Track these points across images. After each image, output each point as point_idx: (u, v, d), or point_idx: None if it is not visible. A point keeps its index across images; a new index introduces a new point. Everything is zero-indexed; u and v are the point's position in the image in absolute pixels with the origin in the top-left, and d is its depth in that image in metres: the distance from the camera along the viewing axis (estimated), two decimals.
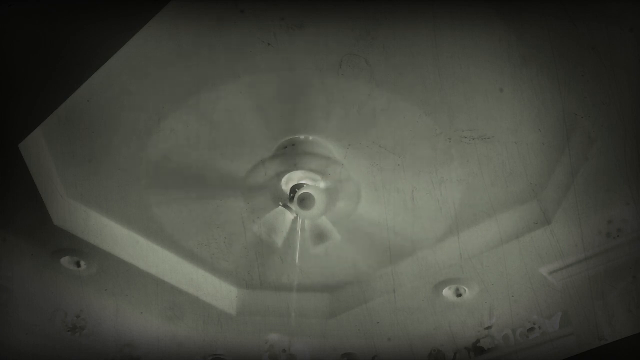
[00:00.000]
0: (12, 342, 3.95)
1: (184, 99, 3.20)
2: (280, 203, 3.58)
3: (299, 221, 3.66)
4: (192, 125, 3.34)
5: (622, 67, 2.78)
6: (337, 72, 3.03)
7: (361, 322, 4.30)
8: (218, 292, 4.28)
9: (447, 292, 4.11)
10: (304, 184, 3.51)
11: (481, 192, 3.56)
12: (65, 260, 3.89)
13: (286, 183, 3.55)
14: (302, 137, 3.41)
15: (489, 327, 4.09)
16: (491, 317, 4.11)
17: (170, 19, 2.76)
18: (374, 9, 2.80)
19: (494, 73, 3.03)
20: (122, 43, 2.61)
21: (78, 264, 3.91)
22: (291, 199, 3.51)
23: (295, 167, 3.46)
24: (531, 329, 3.92)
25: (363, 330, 4.31)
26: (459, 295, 4.11)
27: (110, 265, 3.90)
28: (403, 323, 4.21)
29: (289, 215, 3.58)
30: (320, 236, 3.67)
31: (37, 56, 2.60)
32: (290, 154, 3.42)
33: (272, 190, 3.58)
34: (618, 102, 2.88)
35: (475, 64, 3.00)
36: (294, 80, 3.12)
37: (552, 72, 2.89)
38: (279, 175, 3.52)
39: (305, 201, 3.48)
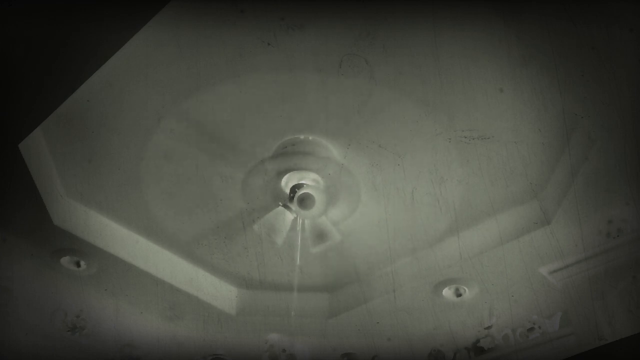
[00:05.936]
0: (12, 342, 3.95)
1: (184, 99, 3.20)
2: (280, 203, 3.58)
3: (299, 221, 3.66)
4: (192, 125, 3.34)
5: (622, 67, 2.78)
6: (337, 72, 3.03)
7: (361, 322, 4.29)
8: (218, 292, 4.28)
9: (447, 292, 4.11)
10: (304, 184, 3.51)
11: (481, 192, 3.56)
12: (65, 260, 3.89)
13: (286, 183, 3.55)
14: (302, 137, 3.41)
15: (489, 327, 4.09)
16: (491, 317, 4.11)
17: (170, 19, 2.76)
18: (374, 9, 2.80)
19: (494, 73, 3.03)
20: (122, 43, 2.61)
21: (78, 264, 3.91)
22: (291, 199, 3.51)
23: (295, 167, 3.46)
24: (531, 329, 3.92)
25: (363, 330, 4.31)
26: (459, 295, 4.11)
27: (110, 265, 3.90)
28: (403, 323, 4.21)
29: (289, 215, 3.58)
30: (320, 236, 3.67)
31: (37, 56, 2.60)
32: (290, 154, 3.42)
33: (272, 190, 3.59)
34: (618, 102, 2.88)
35: (475, 64, 2.99)
36: (294, 80, 3.12)
37: (552, 72, 2.89)
38: (279, 175, 3.52)
39: (305, 201, 3.48)
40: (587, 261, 3.43)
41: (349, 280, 4.31)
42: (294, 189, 3.52)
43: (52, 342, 4.14)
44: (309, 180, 3.51)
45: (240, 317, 4.34)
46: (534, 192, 3.53)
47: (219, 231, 3.90)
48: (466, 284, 4.04)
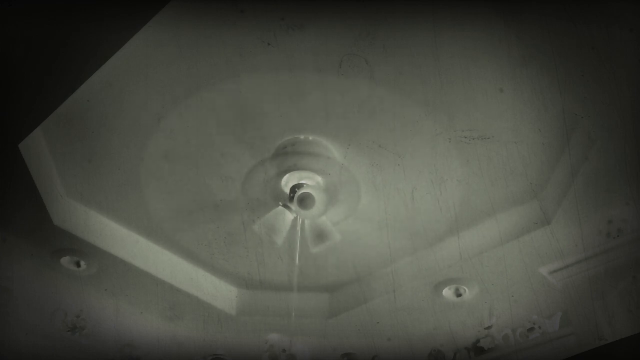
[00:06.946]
0: (12, 342, 3.95)
1: (184, 99, 3.20)
2: (280, 203, 3.58)
3: (299, 221, 3.66)
4: (192, 126, 3.34)
5: (622, 67, 2.78)
6: (337, 72, 3.03)
7: (361, 322, 4.29)
8: (218, 292, 4.29)
9: (447, 292, 4.11)
10: (304, 184, 3.51)
11: (481, 192, 3.56)
12: (65, 260, 3.89)
13: (286, 183, 3.55)
14: (302, 137, 3.41)
15: (489, 327, 4.09)
16: (491, 317, 4.11)
17: (170, 19, 2.76)
18: (374, 9, 2.80)
19: (494, 73, 3.03)
20: (122, 43, 2.61)
21: (78, 264, 3.91)
22: (291, 199, 3.51)
23: (295, 167, 3.46)
24: (531, 329, 3.92)
25: (363, 330, 4.31)
26: (459, 295, 4.11)
27: (110, 265, 3.90)
28: (403, 323, 4.21)
29: (289, 215, 3.58)
30: (320, 236, 3.67)
31: (37, 56, 2.60)
32: (290, 154, 3.42)
33: (272, 190, 3.59)
34: (618, 102, 2.88)
35: (475, 64, 3.00)
36: (294, 80, 3.12)
37: (552, 72, 2.89)
38: (279, 175, 3.52)
39: (305, 201, 3.48)
40: (587, 261, 3.43)
41: (349, 280, 4.32)
42: (294, 188, 3.52)
43: (52, 342, 4.14)
44: (309, 180, 3.51)
45: (240, 317, 4.34)
46: (534, 192, 3.53)
47: (219, 231, 3.90)
48: (466, 284, 4.04)
